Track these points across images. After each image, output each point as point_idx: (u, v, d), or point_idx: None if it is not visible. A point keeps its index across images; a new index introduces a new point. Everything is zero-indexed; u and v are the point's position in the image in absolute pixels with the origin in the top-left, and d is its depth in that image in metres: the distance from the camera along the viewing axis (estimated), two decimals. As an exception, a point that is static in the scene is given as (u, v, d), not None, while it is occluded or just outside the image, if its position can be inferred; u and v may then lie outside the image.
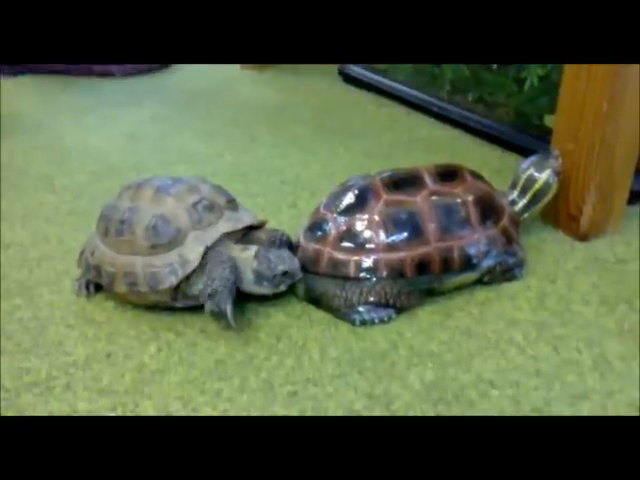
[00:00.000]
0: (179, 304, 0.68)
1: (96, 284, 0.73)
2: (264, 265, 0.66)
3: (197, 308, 0.69)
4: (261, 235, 0.71)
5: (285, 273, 0.66)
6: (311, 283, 0.69)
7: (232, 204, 0.71)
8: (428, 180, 0.70)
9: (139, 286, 0.66)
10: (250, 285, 0.67)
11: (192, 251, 0.66)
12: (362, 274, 0.67)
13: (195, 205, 0.68)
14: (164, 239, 0.66)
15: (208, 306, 0.65)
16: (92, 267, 0.70)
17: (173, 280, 0.65)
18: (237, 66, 1.62)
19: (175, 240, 0.66)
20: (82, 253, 0.73)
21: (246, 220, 0.70)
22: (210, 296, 0.64)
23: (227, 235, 0.68)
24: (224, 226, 0.68)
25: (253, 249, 0.67)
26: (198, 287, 0.66)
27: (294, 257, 0.68)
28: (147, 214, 0.67)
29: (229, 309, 0.63)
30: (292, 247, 0.72)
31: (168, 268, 0.66)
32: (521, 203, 0.77)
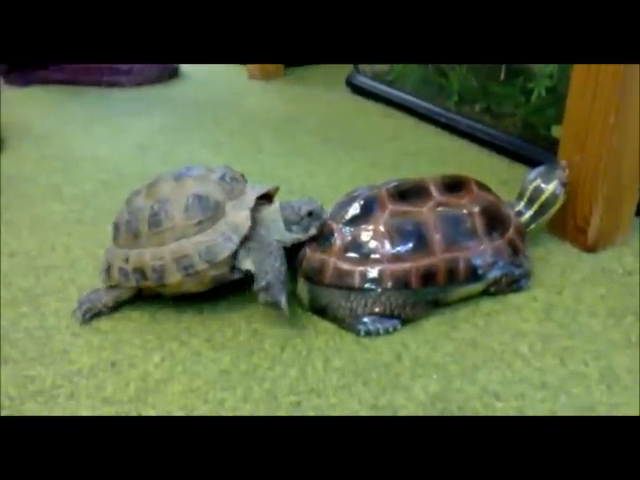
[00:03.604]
0: (236, 276, 0.68)
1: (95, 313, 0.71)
2: (288, 210, 0.69)
3: (204, 316, 0.70)
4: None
5: (310, 214, 0.69)
6: (316, 293, 0.69)
7: (244, 177, 0.73)
8: (434, 191, 0.70)
9: (196, 266, 0.66)
10: (282, 234, 0.69)
11: (238, 216, 0.67)
12: (367, 285, 0.67)
13: (222, 178, 0.69)
14: (208, 212, 0.67)
15: (262, 297, 0.65)
16: (132, 272, 0.68)
17: (232, 246, 0.66)
18: (245, 76, 1.63)
19: (217, 213, 0.67)
20: (108, 270, 0.71)
21: (266, 186, 0.72)
22: (265, 289, 0.65)
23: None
24: (253, 191, 0.70)
25: (277, 202, 0.71)
26: (246, 261, 0.67)
27: (315, 200, 0.70)
28: (180, 198, 0.67)
29: (283, 300, 0.65)
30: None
31: (221, 237, 0.66)
32: (528, 214, 0.77)
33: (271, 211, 0.70)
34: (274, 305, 0.65)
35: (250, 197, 0.69)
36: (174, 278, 0.66)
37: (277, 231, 0.69)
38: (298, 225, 0.69)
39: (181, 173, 0.70)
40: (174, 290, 0.69)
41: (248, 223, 0.67)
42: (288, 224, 0.69)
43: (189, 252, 0.66)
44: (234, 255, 0.67)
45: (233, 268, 0.68)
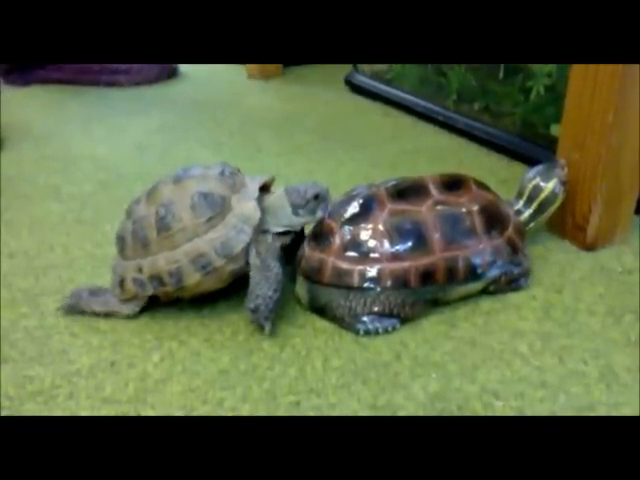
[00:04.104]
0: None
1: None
2: (294, 194, 0.70)
3: (203, 315, 0.70)
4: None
5: (316, 197, 0.69)
6: (315, 292, 0.69)
7: (240, 171, 0.72)
8: (433, 190, 0.70)
9: (214, 262, 0.65)
10: (290, 218, 0.70)
11: (246, 208, 0.67)
12: (366, 284, 0.66)
13: (222, 173, 0.69)
14: (216, 208, 0.66)
15: (249, 316, 0.66)
16: (148, 281, 0.67)
17: (246, 238, 0.66)
18: (244, 75, 1.63)
19: (224, 208, 0.67)
20: (121, 284, 0.69)
21: (264, 177, 0.72)
22: (252, 311, 0.65)
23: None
24: (254, 182, 0.70)
25: (281, 188, 0.71)
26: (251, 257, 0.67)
27: (320, 183, 0.71)
28: (184, 198, 0.67)
29: (267, 327, 0.66)
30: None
31: (234, 230, 0.66)
32: (527, 213, 0.76)
33: (277, 198, 0.70)
34: (258, 325, 0.66)
35: (253, 188, 0.69)
36: (193, 279, 0.66)
37: (285, 217, 0.70)
38: (305, 209, 0.69)
39: (179, 175, 0.69)
40: (193, 291, 0.69)
41: (258, 213, 0.67)
42: (295, 208, 0.69)
43: (204, 250, 0.66)
44: (247, 247, 0.67)
45: (248, 260, 0.68)
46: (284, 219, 0.70)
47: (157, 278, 0.67)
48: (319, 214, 0.70)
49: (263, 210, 0.69)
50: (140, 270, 0.68)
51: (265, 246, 0.68)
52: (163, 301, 0.71)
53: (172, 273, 0.66)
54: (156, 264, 0.67)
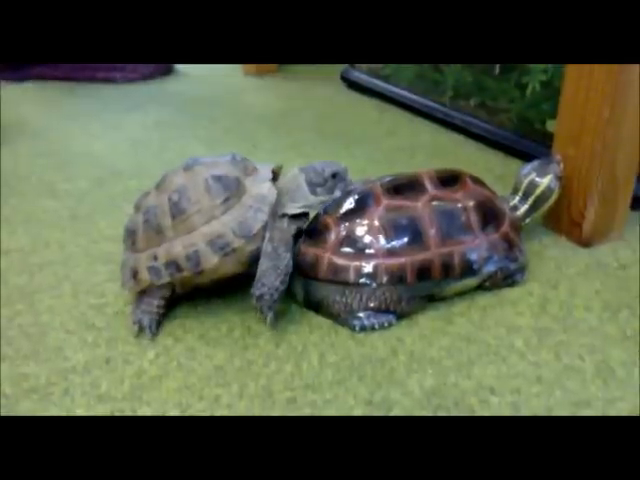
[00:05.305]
0: None
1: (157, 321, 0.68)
2: (312, 173, 0.68)
3: (198, 312, 0.70)
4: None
5: (335, 175, 0.68)
6: (311, 289, 0.69)
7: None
8: (429, 185, 0.70)
9: (232, 243, 0.64)
10: (307, 198, 0.69)
11: (261, 188, 0.66)
12: (362, 280, 0.66)
13: (234, 158, 0.68)
14: (232, 189, 0.65)
15: (253, 302, 0.65)
16: (164, 267, 0.65)
17: (263, 217, 0.65)
18: (240, 72, 1.63)
19: (239, 189, 0.66)
20: (135, 276, 0.67)
21: (271, 164, 0.71)
22: (257, 298, 0.65)
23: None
24: (265, 167, 0.69)
25: (295, 168, 0.70)
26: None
27: (338, 162, 0.70)
28: (198, 182, 0.66)
29: (269, 317, 0.65)
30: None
31: (251, 210, 0.65)
32: (523, 208, 0.76)
33: (292, 178, 0.69)
34: (261, 314, 0.66)
35: (265, 171, 0.68)
36: (211, 261, 0.64)
37: (302, 197, 0.68)
38: (323, 187, 0.68)
39: (189, 163, 0.68)
40: (211, 276, 0.66)
41: (274, 193, 0.66)
42: (312, 186, 0.68)
43: (222, 231, 0.64)
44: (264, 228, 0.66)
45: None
46: (301, 199, 0.68)
47: (174, 263, 0.65)
48: (337, 193, 0.69)
49: (278, 192, 0.68)
50: (155, 258, 0.66)
51: (279, 233, 0.67)
52: (179, 291, 0.69)
53: (189, 257, 0.64)
54: (172, 250, 0.65)
